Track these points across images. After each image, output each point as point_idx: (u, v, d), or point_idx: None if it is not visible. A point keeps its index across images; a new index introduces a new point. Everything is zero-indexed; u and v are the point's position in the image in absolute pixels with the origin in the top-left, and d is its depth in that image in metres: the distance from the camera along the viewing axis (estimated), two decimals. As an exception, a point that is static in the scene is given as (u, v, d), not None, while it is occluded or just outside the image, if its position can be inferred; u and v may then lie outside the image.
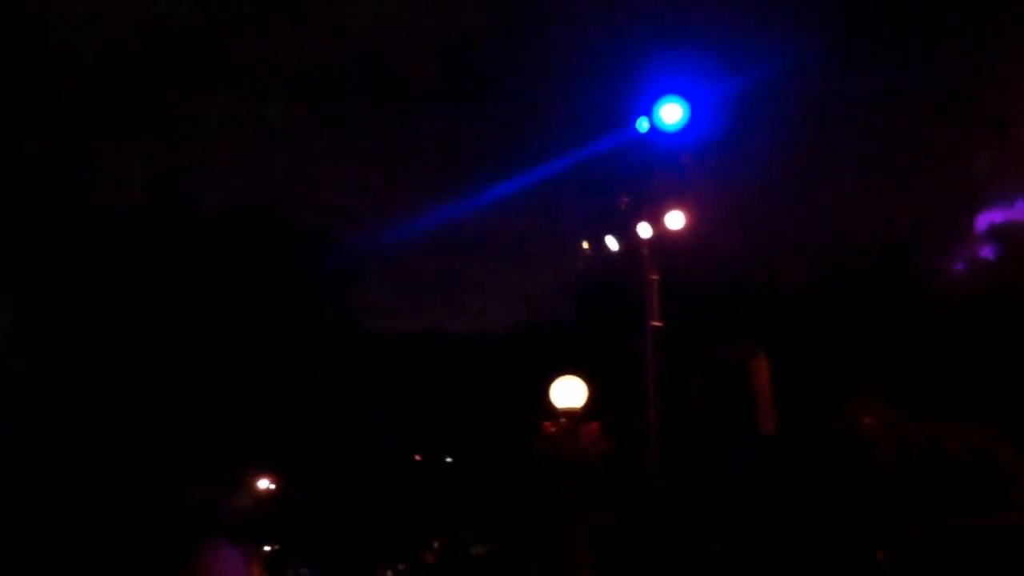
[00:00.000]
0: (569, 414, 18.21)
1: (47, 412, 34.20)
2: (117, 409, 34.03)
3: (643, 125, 17.63)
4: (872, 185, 41.34)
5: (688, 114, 17.33)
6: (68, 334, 35.75)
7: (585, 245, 19.72)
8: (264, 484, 37.19)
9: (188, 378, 33.23)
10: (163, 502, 26.80)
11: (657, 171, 18.28)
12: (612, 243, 18.73)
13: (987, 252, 34.81)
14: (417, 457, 36.63)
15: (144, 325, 33.58)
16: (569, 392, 18.28)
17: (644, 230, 18.15)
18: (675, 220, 18.06)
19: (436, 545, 37.12)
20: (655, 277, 18.28)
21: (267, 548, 34.32)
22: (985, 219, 35.31)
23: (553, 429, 18.30)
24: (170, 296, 33.04)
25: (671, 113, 17.35)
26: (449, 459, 36.14)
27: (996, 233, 34.59)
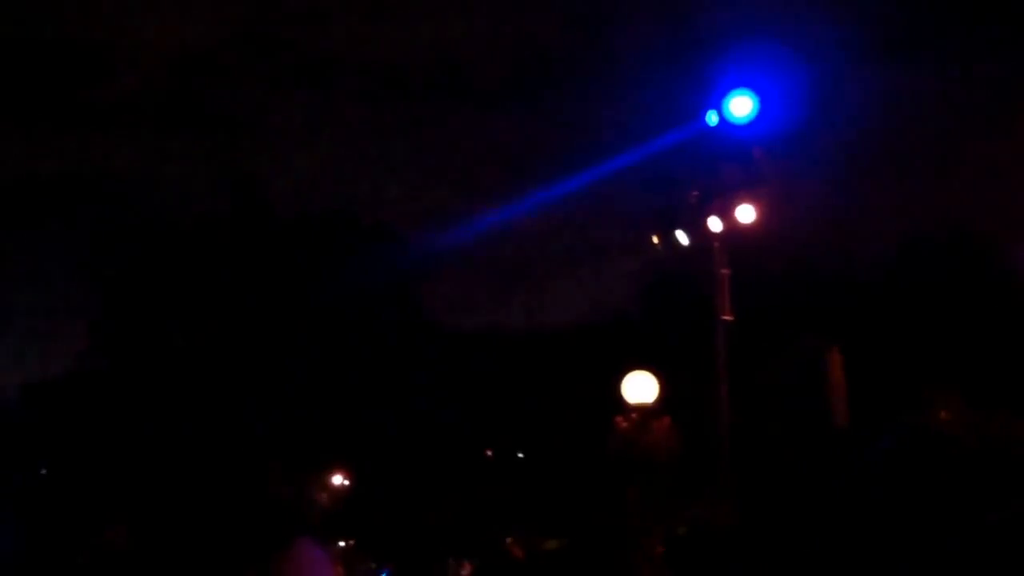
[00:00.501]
0: (641, 409, 18.16)
1: (129, 411, 34.77)
2: (199, 408, 34.50)
3: (712, 118, 17.54)
4: (950, 174, 40.76)
5: (758, 106, 17.21)
6: (148, 336, 36.29)
7: (655, 240, 19.63)
8: (338, 480, 37.55)
9: (265, 375, 33.57)
10: (254, 499, 26.98)
11: (727, 164, 18.17)
12: (682, 237, 18.63)
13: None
14: (488, 453, 36.70)
15: (221, 326, 34.00)
16: (640, 387, 18.23)
17: (714, 224, 18.02)
18: (746, 213, 17.93)
19: (509, 541, 37.16)
20: (726, 271, 18.17)
21: (341, 544, 34.63)
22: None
23: (625, 424, 18.27)
24: (246, 297, 33.42)
25: (741, 106, 17.24)
26: (520, 455, 36.20)
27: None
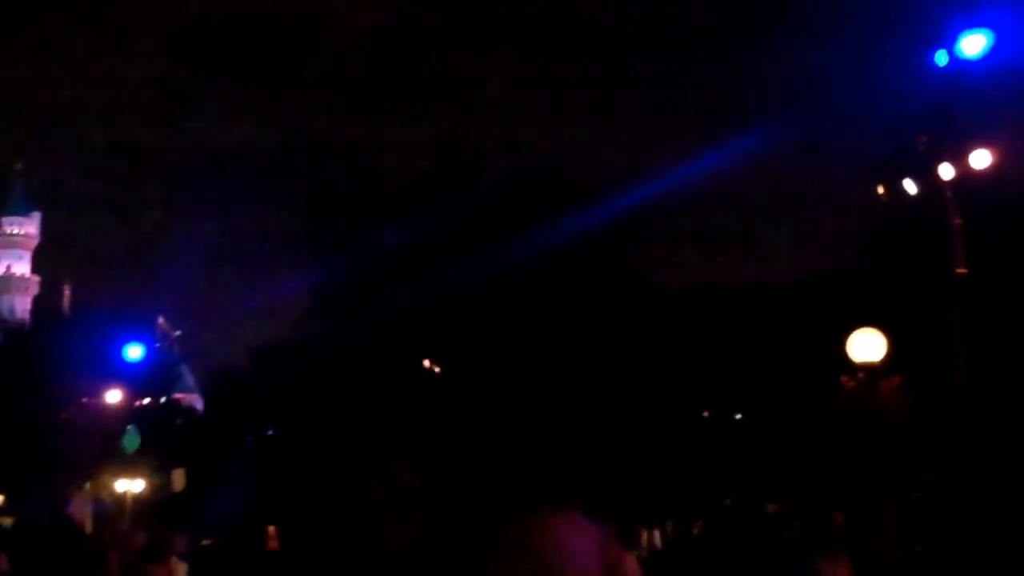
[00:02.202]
0: (868, 368, 17.24)
1: (345, 374, 35.46)
2: (412, 367, 34.99)
3: (942, 58, 16.43)
4: None
5: (992, 43, 16.02)
6: (363, 298, 36.91)
7: (879, 189, 18.66)
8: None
9: (478, 333, 33.71)
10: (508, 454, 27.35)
11: (959, 107, 17.06)
12: (910, 186, 17.60)
13: None
14: (705, 414, 36.01)
15: (435, 287, 34.30)
16: (867, 345, 17.28)
17: (946, 171, 16.92)
18: (980, 159, 16.77)
19: (728, 502, 36.54)
20: (958, 222, 17.07)
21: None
22: None
23: (851, 384, 17.41)
24: (460, 256, 33.60)
25: (974, 43, 16.07)
26: (739, 415, 35.41)
27: None
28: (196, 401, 69.61)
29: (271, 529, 27.92)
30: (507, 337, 33.25)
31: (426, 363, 35.56)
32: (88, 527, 29.37)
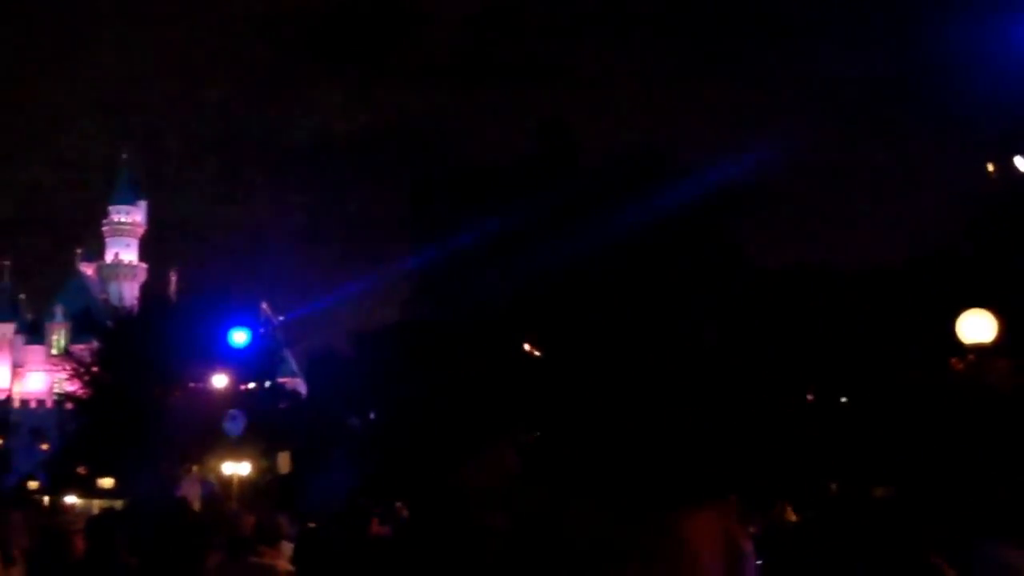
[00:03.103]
0: (978, 350, 16.85)
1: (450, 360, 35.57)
2: (512, 350, 35.03)
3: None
4: None
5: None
6: (465, 282, 37.00)
7: (989, 167, 18.22)
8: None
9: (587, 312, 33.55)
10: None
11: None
12: (1021, 164, 17.16)
13: None
14: (809, 397, 35.50)
15: (535, 270, 34.25)
16: (977, 326, 16.86)
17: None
18: (1096, 134, 16.29)
19: (833, 487, 36.01)
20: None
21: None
22: None
23: (960, 366, 17.05)
24: (561, 241, 33.49)
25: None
26: (844, 399, 34.82)
27: None
28: (299, 385, 70.56)
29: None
30: (608, 321, 33.09)
31: (526, 347, 35.59)
32: (197, 509, 29.96)
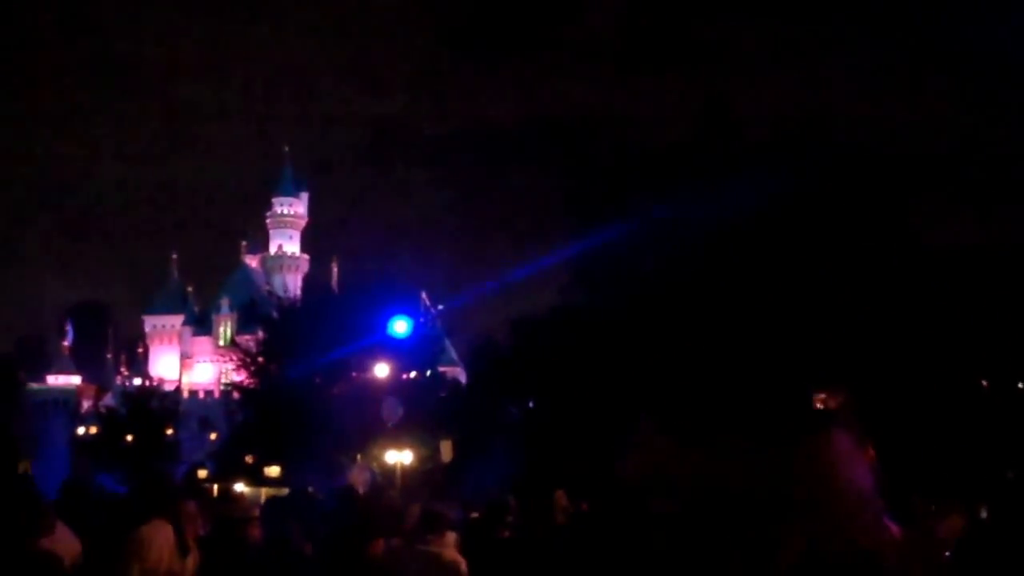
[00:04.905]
0: None
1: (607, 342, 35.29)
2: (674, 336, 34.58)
3: None
4: None
5: None
6: (624, 268, 36.65)
7: None
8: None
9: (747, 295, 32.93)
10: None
11: None
12: None
13: None
14: (984, 383, 34.16)
15: (695, 256, 33.76)
16: None
17: None
18: None
19: (1010, 476, 34.64)
20: None
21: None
22: None
23: None
24: (722, 226, 32.89)
25: None
26: (1021, 384, 33.42)
27: None
28: (460, 374, 71.09)
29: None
30: (772, 307, 32.39)
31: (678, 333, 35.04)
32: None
